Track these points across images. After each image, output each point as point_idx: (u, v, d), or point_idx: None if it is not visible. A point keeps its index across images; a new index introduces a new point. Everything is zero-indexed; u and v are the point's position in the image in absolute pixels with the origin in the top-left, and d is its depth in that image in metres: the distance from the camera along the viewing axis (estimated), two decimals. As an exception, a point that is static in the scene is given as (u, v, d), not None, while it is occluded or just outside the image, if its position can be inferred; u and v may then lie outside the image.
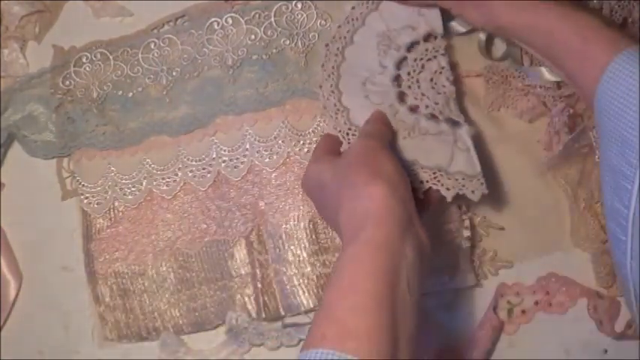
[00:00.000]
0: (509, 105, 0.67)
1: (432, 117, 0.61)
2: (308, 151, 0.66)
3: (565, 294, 0.65)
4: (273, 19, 0.67)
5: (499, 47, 0.68)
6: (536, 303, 0.65)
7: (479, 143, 0.66)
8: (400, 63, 0.64)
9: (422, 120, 0.61)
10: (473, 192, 0.59)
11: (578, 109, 0.66)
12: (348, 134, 0.62)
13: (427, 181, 0.59)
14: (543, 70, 0.65)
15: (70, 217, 0.69)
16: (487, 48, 0.68)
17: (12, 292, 0.68)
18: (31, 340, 0.68)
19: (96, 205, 0.68)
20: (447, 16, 0.68)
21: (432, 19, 0.64)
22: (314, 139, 0.66)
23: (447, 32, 0.68)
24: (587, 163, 0.65)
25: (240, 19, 0.68)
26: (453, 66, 0.67)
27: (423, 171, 0.59)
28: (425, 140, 0.60)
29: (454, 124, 0.61)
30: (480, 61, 0.68)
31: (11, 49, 0.71)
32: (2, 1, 0.71)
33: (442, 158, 0.59)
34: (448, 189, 0.59)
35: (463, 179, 0.59)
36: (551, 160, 0.65)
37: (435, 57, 0.63)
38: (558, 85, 0.65)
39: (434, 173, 0.59)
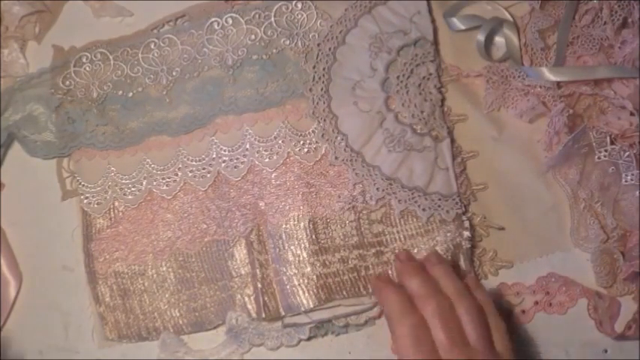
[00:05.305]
0: (509, 105, 0.67)
1: (417, 132, 0.64)
2: (308, 151, 0.66)
3: (565, 294, 0.65)
4: (273, 19, 0.67)
5: (499, 47, 0.68)
6: (536, 303, 0.65)
7: (479, 144, 0.67)
8: (390, 66, 0.66)
9: (408, 132, 0.64)
10: (447, 212, 0.63)
11: (578, 109, 0.66)
12: (335, 142, 0.64)
13: (405, 201, 0.63)
14: (543, 70, 0.65)
15: (70, 217, 0.69)
16: (486, 49, 0.68)
17: (12, 292, 0.68)
18: (31, 340, 0.68)
19: (96, 205, 0.68)
20: (448, 13, 0.68)
21: (423, 26, 0.66)
22: (314, 139, 0.66)
23: (448, 29, 0.68)
24: (587, 163, 0.65)
25: (240, 19, 0.68)
26: (447, 69, 0.68)
27: (402, 190, 0.63)
28: (409, 157, 0.64)
29: (437, 137, 0.64)
30: (480, 61, 0.68)
31: (11, 49, 0.71)
32: (2, 1, 0.71)
33: (422, 179, 0.63)
34: (424, 209, 0.63)
35: (439, 199, 0.63)
36: (551, 160, 0.65)
37: (423, 63, 0.66)
38: (558, 85, 0.65)
39: (412, 193, 0.63)
